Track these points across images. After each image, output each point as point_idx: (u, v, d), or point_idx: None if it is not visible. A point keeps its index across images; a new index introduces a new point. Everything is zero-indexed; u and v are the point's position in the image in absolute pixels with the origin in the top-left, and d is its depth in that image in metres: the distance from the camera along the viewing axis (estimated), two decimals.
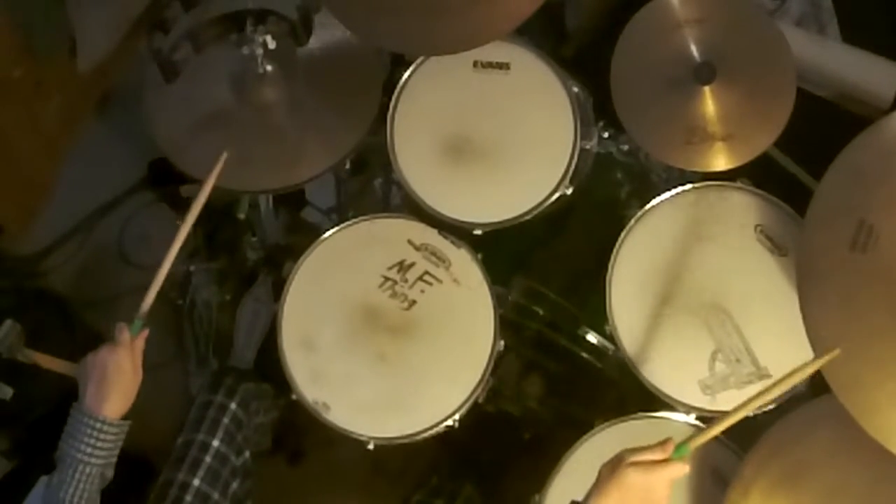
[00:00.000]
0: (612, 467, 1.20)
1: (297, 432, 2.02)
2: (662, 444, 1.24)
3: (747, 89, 1.57)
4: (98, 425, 1.34)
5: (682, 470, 1.22)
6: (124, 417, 1.38)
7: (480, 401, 1.63)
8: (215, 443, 1.60)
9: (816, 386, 1.37)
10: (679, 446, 1.24)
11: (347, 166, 1.86)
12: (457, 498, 1.77)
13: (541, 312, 1.77)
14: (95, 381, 1.38)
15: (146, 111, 1.71)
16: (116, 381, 1.38)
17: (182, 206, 2.14)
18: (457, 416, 1.58)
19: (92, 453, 1.33)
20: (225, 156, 1.53)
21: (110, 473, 1.37)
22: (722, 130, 1.56)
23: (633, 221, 1.64)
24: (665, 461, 1.22)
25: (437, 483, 1.86)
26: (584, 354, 1.74)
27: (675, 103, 1.58)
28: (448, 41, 1.57)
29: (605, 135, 1.81)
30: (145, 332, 1.45)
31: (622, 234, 1.64)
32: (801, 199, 1.37)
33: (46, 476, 1.85)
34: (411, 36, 1.57)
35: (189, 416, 1.65)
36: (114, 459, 1.37)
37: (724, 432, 1.52)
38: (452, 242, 1.68)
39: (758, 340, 1.55)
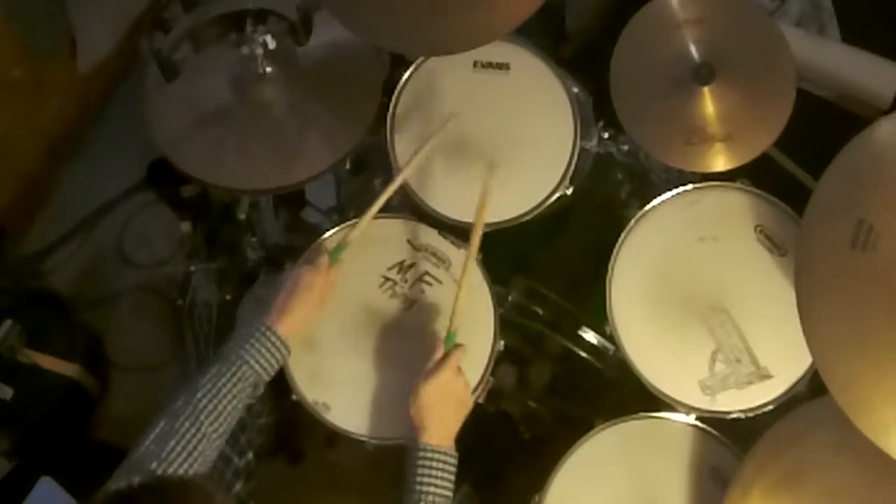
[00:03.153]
0: (414, 399, 1.39)
1: (298, 432, 2.02)
2: (435, 345, 1.46)
3: (747, 89, 1.57)
4: (269, 334, 1.41)
5: (461, 353, 1.45)
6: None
7: (480, 401, 1.62)
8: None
9: (816, 386, 1.37)
10: (448, 337, 1.46)
11: (347, 166, 1.86)
12: (453, 497, 1.77)
13: (541, 312, 1.77)
14: (285, 292, 1.46)
15: (146, 111, 1.71)
16: (303, 298, 1.46)
17: (182, 206, 2.15)
18: None
19: (254, 356, 1.39)
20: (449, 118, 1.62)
21: (259, 392, 1.42)
22: (722, 131, 1.56)
23: (633, 221, 1.64)
24: (443, 358, 1.43)
25: None
26: (584, 354, 1.74)
27: (675, 103, 1.58)
28: (448, 41, 1.57)
29: (605, 135, 1.81)
30: (341, 265, 1.53)
31: (622, 234, 1.64)
32: (801, 199, 1.37)
33: (47, 476, 1.86)
34: (411, 36, 1.57)
35: None
36: (266, 378, 1.42)
37: (721, 431, 1.54)
38: (452, 242, 1.68)
39: (758, 340, 1.56)
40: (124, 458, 1.29)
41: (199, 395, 1.32)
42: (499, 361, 1.63)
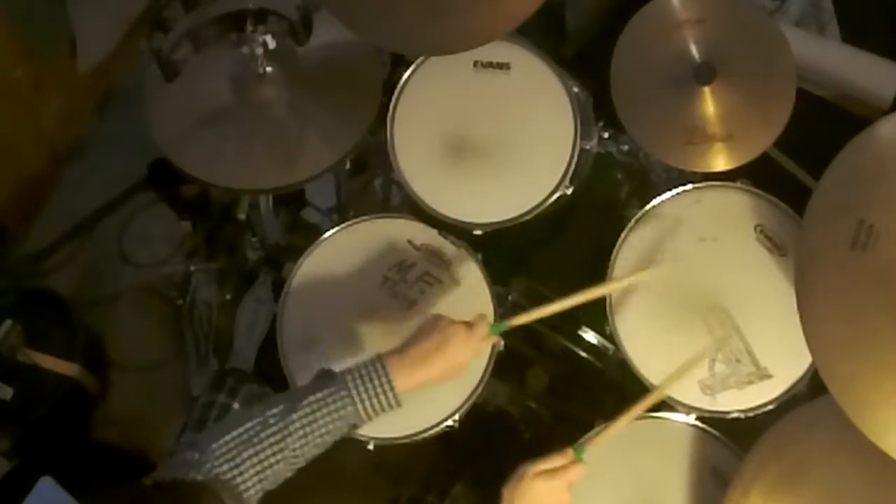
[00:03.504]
0: (515, 483, 1.28)
1: None
2: (562, 451, 1.34)
3: (747, 89, 1.57)
4: (387, 388, 1.28)
5: (580, 472, 1.32)
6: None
7: (480, 401, 1.62)
8: None
9: (816, 386, 1.37)
10: (577, 448, 1.36)
11: (347, 166, 1.86)
12: (447, 495, 1.77)
13: None
14: (433, 344, 1.32)
15: (146, 111, 1.71)
16: (446, 358, 1.32)
17: (182, 206, 2.15)
18: (457, 417, 1.58)
19: (364, 402, 1.27)
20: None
21: (353, 432, 1.31)
22: (722, 131, 1.56)
23: (633, 221, 1.64)
24: (565, 466, 1.32)
25: (429, 481, 1.86)
26: (584, 354, 1.74)
27: (675, 103, 1.58)
28: (448, 41, 1.57)
29: (605, 135, 1.81)
30: (495, 341, 1.40)
31: (622, 234, 1.64)
32: (801, 199, 1.37)
33: (47, 476, 1.87)
34: (411, 36, 1.57)
35: (192, 416, 1.65)
36: (362, 423, 1.30)
37: (721, 431, 1.54)
38: (452, 242, 1.68)
39: (758, 340, 1.55)
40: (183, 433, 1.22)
41: (295, 415, 1.24)
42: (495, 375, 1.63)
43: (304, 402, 1.24)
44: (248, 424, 1.21)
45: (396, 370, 1.29)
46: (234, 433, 1.20)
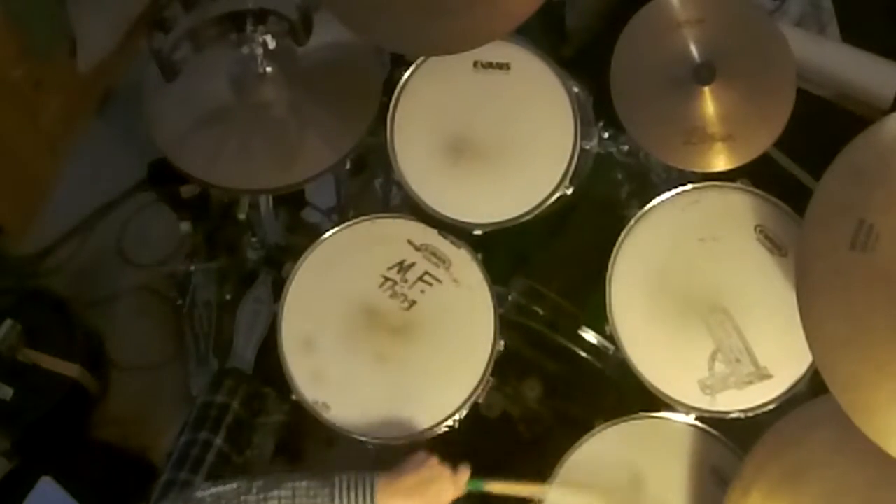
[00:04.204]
0: None
1: (298, 432, 2.02)
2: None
3: (747, 89, 1.57)
4: (369, 499, 1.31)
5: None
6: None
7: (480, 401, 1.62)
8: (218, 441, 1.60)
9: (816, 386, 1.37)
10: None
11: (347, 166, 1.86)
12: None
13: (541, 312, 1.77)
14: (420, 479, 1.37)
15: (146, 111, 1.71)
16: (429, 496, 1.37)
17: (182, 207, 2.15)
18: (457, 417, 1.58)
19: (343, 499, 1.30)
20: None
21: None
22: (722, 130, 1.56)
23: (633, 221, 1.64)
24: None
25: None
26: (584, 354, 1.74)
27: (675, 103, 1.58)
28: (448, 41, 1.57)
29: (605, 135, 1.81)
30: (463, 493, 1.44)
31: (622, 234, 1.64)
32: (801, 199, 1.37)
33: (47, 476, 1.87)
34: (411, 36, 1.57)
35: (191, 416, 1.65)
36: None
37: (721, 431, 1.54)
38: (452, 242, 1.68)
39: (757, 340, 1.55)
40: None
41: (276, 492, 1.27)
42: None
43: (288, 484, 1.28)
44: (234, 485, 1.27)
45: (382, 491, 1.33)
46: (220, 489, 1.26)
